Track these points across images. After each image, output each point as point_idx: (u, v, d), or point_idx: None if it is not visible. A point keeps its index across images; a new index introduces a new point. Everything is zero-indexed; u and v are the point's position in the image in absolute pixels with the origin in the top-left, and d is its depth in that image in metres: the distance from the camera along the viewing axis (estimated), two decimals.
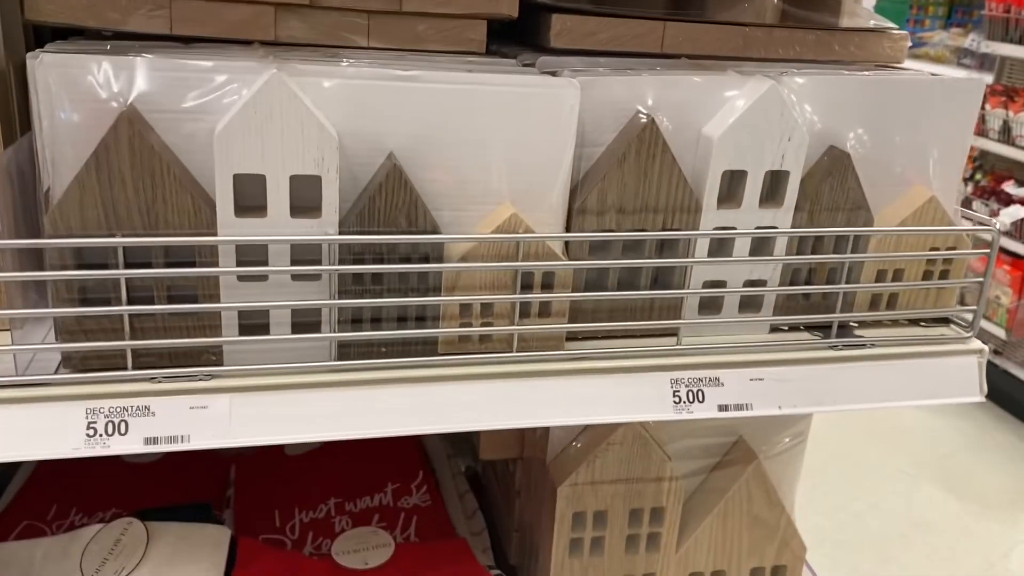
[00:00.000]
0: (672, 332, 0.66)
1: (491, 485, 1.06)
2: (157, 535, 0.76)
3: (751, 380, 0.65)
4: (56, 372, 0.56)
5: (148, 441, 0.55)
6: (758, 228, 0.65)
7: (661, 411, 0.63)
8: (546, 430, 0.83)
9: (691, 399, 0.64)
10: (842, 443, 2.58)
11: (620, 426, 0.77)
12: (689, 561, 0.82)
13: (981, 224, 0.70)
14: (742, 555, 0.82)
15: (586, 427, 0.80)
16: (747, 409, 0.65)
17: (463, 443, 1.12)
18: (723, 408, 0.64)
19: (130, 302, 0.55)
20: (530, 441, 0.88)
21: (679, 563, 0.81)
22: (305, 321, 0.59)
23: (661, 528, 0.80)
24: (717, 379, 0.65)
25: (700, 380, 0.64)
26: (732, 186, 0.65)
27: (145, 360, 0.57)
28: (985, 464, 2.61)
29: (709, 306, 0.68)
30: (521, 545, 0.91)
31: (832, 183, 0.66)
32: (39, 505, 0.94)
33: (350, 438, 0.58)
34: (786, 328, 0.70)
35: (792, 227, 0.65)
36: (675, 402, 0.64)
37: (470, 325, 0.61)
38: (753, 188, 0.64)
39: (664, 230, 0.63)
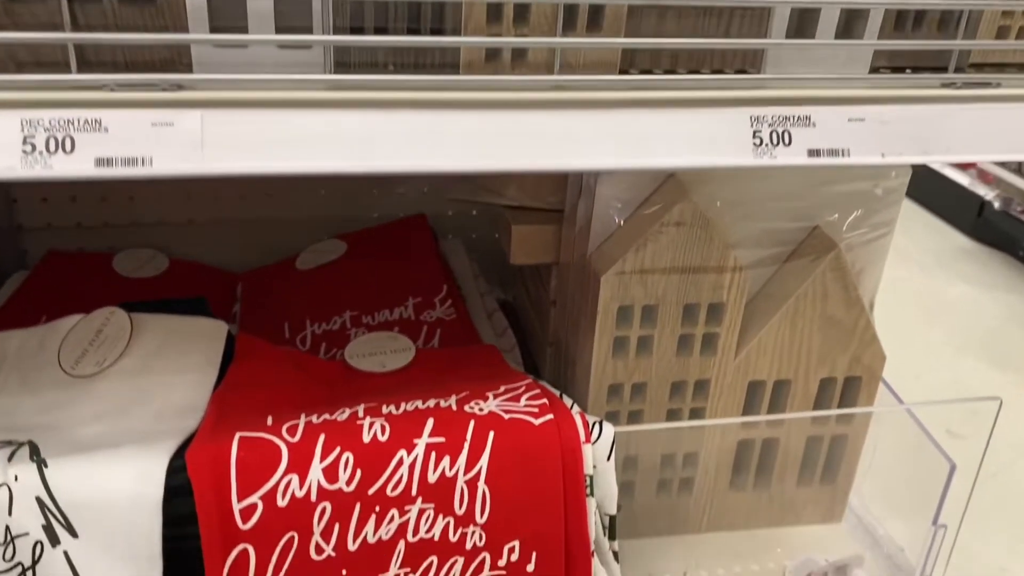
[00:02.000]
0: (753, 63, 0.54)
1: (524, 310, 0.96)
2: (143, 326, 0.67)
3: (849, 120, 0.52)
4: None
5: (100, 162, 0.44)
6: None
7: (737, 155, 0.51)
8: (587, 223, 0.72)
9: (775, 141, 0.52)
10: (882, 315, 2.48)
11: (676, 204, 0.65)
12: (749, 368, 0.71)
13: None
14: (811, 363, 0.72)
15: (635, 211, 0.69)
16: (843, 156, 0.52)
17: (492, 271, 1.01)
18: (814, 153, 0.52)
19: None
20: (568, 242, 0.77)
21: (738, 370, 0.71)
22: (293, 25, 0.47)
23: (719, 327, 0.69)
24: (807, 118, 0.52)
25: (787, 119, 0.52)
26: None
27: (97, 70, 0.46)
28: None
29: (799, 36, 0.55)
30: (556, 358, 0.82)
31: None
32: (27, 316, 0.85)
33: (347, 171, 0.47)
34: (889, 70, 0.57)
35: None
36: (755, 144, 0.51)
37: (500, 35, 0.49)
38: None
39: None
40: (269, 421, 0.57)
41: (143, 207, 1.02)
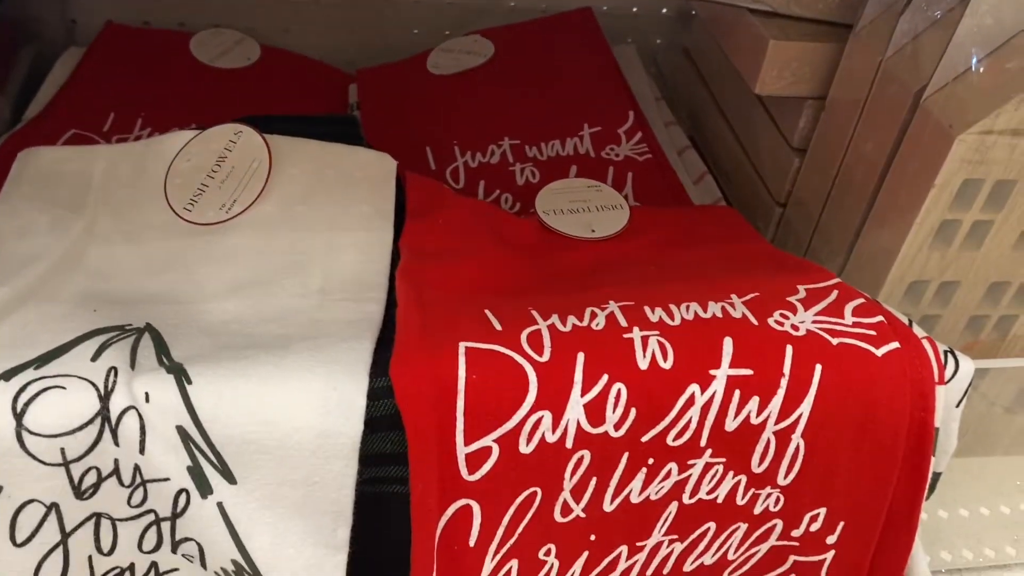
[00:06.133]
0: None
1: (717, 151, 0.75)
2: (282, 155, 0.47)
3: None
4: None
5: None
6: None
7: None
8: (910, 49, 0.50)
9: None
10: None
11: None
12: None
13: None
14: None
15: (1001, 46, 0.47)
16: None
17: (669, 93, 0.79)
18: None
19: None
20: (855, 68, 0.55)
21: None
22: None
23: None
24: None
25: None
26: None
27: None
28: None
29: None
30: (792, 227, 0.62)
31: None
32: (89, 110, 0.65)
33: None
34: None
35: None
36: None
37: None
38: None
39: None
40: (495, 322, 0.39)
41: None
